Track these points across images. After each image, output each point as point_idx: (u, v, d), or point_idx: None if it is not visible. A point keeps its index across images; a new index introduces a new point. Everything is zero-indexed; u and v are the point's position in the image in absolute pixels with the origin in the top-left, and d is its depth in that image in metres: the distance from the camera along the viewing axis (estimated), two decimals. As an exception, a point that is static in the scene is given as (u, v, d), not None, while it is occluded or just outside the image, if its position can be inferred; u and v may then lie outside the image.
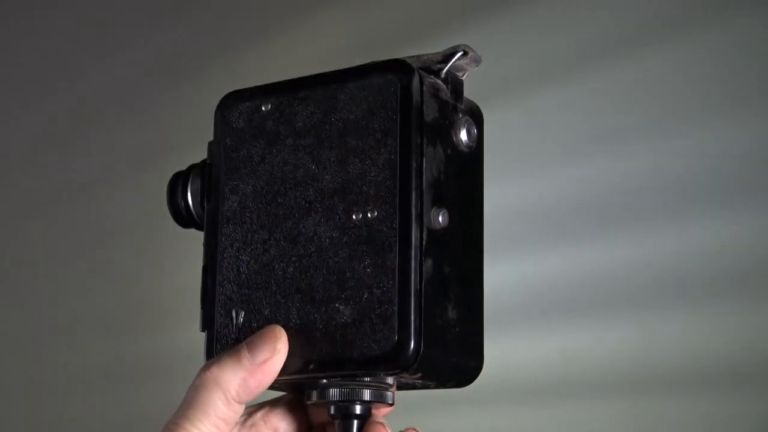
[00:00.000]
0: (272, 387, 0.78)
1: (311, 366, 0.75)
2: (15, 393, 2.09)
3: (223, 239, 0.78)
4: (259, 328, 0.76)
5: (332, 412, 0.78)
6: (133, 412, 1.89)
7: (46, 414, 2.03)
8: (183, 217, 0.82)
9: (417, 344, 0.72)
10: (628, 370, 1.31)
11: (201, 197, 0.81)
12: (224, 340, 0.77)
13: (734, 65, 1.28)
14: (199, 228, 0.82)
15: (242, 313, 0.77)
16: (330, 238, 0.75)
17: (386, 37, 1.58)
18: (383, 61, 0.76)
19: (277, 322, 0.76)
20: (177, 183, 0.82)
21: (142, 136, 1.94)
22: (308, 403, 0.79)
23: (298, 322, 0.75)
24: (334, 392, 0.77)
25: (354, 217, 0.75)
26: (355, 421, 0.78)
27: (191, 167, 0.82)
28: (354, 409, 0.78)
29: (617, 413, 1.32)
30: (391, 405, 0.79)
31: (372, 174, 0.75)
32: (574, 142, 1.39)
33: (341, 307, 0.74)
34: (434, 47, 0.92)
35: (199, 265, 0.80)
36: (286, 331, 0.75)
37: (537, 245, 1.39)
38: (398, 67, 0.75)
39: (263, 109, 0.79)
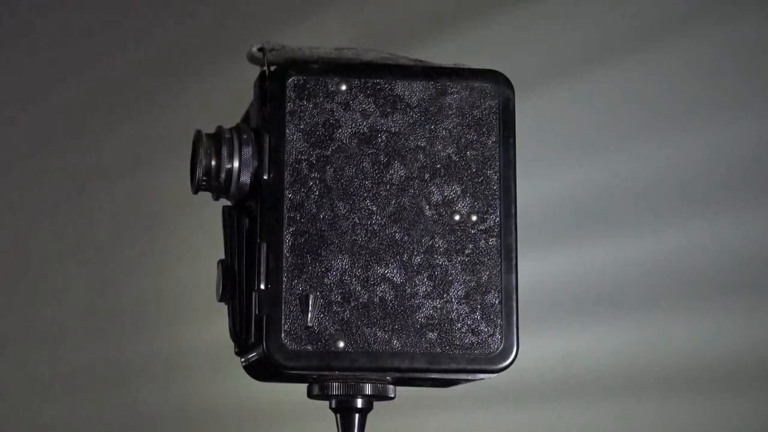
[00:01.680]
0: (318, 377, 0.77)
1: (405, 362, 0.75)
2: (15, 393, 2.09)
3: (290, 218, 0.75)
4: (356, 315, 0.75)
5: (333, 405, 0.78)
6: (133, 412, 1.89)
7: (46, 414, 2.03)
8: (218, 181, 0.77)
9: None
10: (628, 370, 1.31)
11: (257, 167, 0.76)
12: (296, 326, 0.74)
13: (736, 65, 1.28)
14: (223, 196, 0.78)
15: (319, 299, 0.75)
16: (421, 234, 0.76)
17: (388, 35, 1.58)
18: (486, 69, 0.79)
19: (366, 313, 0.75)
20: (221, 142, 0.77)
21: (142, 136, 1.95)
22: (310, 397, 0.79)
23: (390, 315, 0.75)
24: (336, 386, 0.77)
25: (457, 218, 0.76)
26: (357, 415, 0.78)
27: (231, 130, 0.78)
28: (355, 403, 0.78)
29: (617, 413, 1.32)
30: (392, 398, 0.80)
31: (477, 181, 0.77)
32: (574, 143, 1.39)
33: (440, 304, 0.75)
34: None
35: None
36: (375, 325, 0.75)
37: (537, 246, 1.39)
38: (499, 79, 0.79)
39: (342, 87, 0.77)
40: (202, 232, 1.79)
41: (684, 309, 1.28)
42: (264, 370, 0.76)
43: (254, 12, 1.82)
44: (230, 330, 0.79)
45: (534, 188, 1.39)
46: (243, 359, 0.79)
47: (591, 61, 1.38)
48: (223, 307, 1.83)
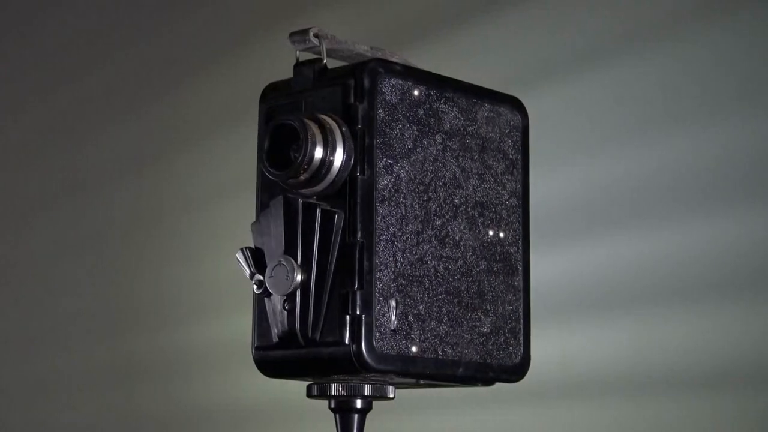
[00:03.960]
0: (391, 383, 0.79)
1: (460, 369, 0.78)
2: (14, 393, 2.09)
3: (379, 219, 0.76)
4: (416, 323, 0.76)
5: (333, 406, 0.78)
6: (133, 412, 1.89)
7: (45, 414, 2.04)
8: (319, 173, 0.75)
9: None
10: (628, 370, 1.31)
11: (355, 163, 0.76)
12: (383, 329, 0.75)
13: (736, 65, 1.28)
14: (305, 188, 0.76)
15: (399, 304, 0.76)
16: (473, 248, 0.79)
17: (390, 34, 1.58)
18: (511, 96, 0.84)
19: (431, 319, 0.77)
20: (326, 132, 0.75)
21: (142, 136, 1.95)
22: (309, 397, 0.79)
23: (448, 323, 0.78)
24: (335, 387, 0.77)
25: (491, 233, 0.81)
26: (356, 415, 0.78)
27: (330, 120, 0.76)
28: (355, 404, 0.78)
29: (617, 413, 1.32)
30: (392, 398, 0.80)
31: (504, 197, 0.82)
32: (573, 142, 1.39)
33: (482, 317, 0.79)
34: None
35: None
36: (438, 330, 0.77)
37: (536, 246, 1.39)
38: (521, 107, 0.84)
39: (415, 93, 0.78)
40: (205, 232, 1.78)
41: (684, 309, 1.28)
42: (319, 368, 0.76)
43: (253, 12, 1.82)
44: (281, 322, 0.77)
45: (533, 189, 1.38)
46: (282, 353, 0.77)
47: (592, 60, 1.38)
48: (223, 309, 1.82)
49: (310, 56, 0.80)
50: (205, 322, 1.78)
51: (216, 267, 1.73)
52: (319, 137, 0.75)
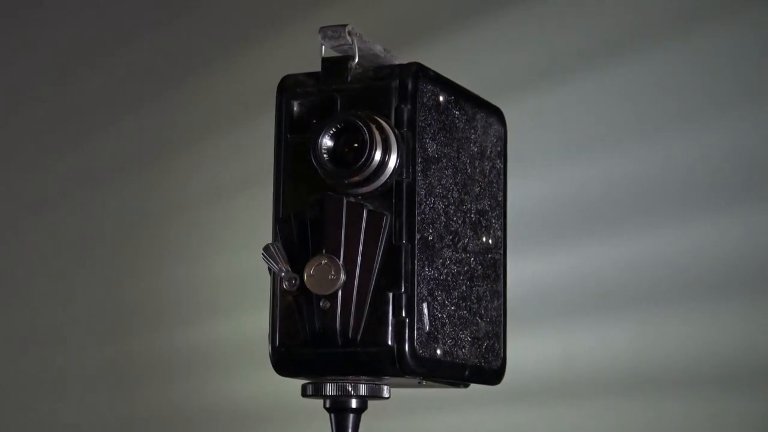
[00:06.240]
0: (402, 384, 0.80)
1: (466, 372, 0.79)
2: (12, 393, 2.09)
3: (418, 222, 0.76)
4: (442, 326, 0.77)
5: (328, 405, 0.78)
6: (132, 413, 1.89)
7: (44, 415, 2.04)
8: (376, 175, 0.75)
9: None
10: (628, 370, 1.31)
11: (401, 166, 0.76)
12: (420, 332, 0.75)
13: (735, 65, 1.27)
14: (351, 189, 0.76)
15: (431, 307, 0.76)
16: (474, 253, 0.81)
17: (392, 35, 1.58)
18: (494, 106, 0.84)
19: (449, 322, 0.78)
20: (384, 135, 0.75)
21: (142, 136, 1.95)
22: (304, 396, 0.79)
23: (459, 327, 0.79)
24: (330, 387, 0.77)
25: (484, 239, 0.82)
26: (351, 415, 0.78)
27: (385, 122, 0.76)
28: (350, 404, 0.78)
29: (617, 413, 1.32)
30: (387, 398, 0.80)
31: (493, 205, 0.83)
32: (574, 142, 1.39)
33: (479, 321, 0.81)
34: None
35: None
36: (453, 333, 0.78)
37: (536, 246, 1.39)
38: (503, 117, 0.85)
39: (441, 99, 0.79)
40: (205, 232, 1.78)
41: (683, 309, 1.28)
42: (353, 368, 0.76)
43: (252, 12, 1.82)
44: (316, 321, 0.76)
45: (534, 188, 1.38)
46: (313, 352, 0.76)
47: (590, 60, 1.38)
48: (222, 309, 1.82)
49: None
50: (205, 322, 1.78)
51: (216, 267, 1.73)
52: (378, 139, 0.75)
